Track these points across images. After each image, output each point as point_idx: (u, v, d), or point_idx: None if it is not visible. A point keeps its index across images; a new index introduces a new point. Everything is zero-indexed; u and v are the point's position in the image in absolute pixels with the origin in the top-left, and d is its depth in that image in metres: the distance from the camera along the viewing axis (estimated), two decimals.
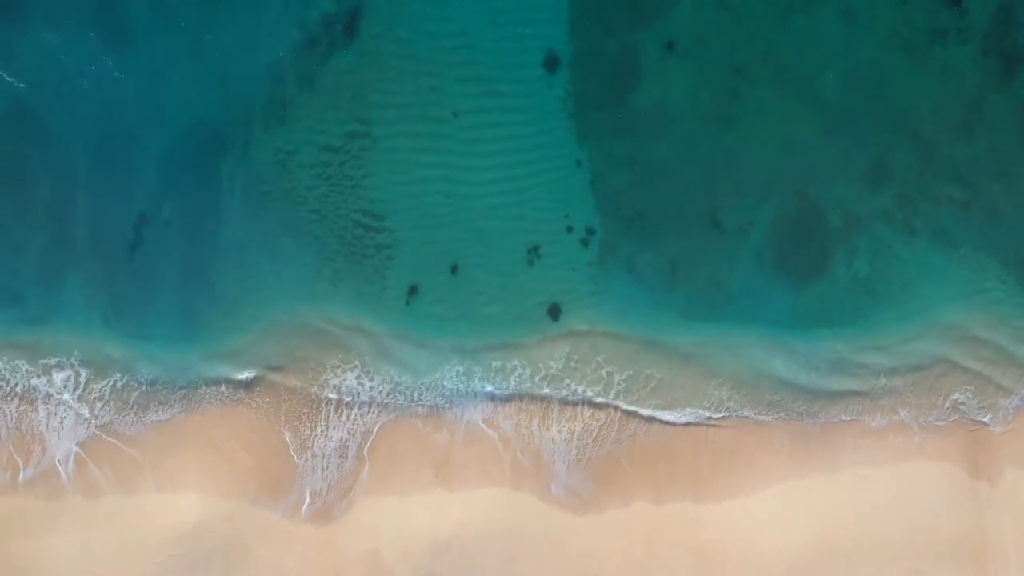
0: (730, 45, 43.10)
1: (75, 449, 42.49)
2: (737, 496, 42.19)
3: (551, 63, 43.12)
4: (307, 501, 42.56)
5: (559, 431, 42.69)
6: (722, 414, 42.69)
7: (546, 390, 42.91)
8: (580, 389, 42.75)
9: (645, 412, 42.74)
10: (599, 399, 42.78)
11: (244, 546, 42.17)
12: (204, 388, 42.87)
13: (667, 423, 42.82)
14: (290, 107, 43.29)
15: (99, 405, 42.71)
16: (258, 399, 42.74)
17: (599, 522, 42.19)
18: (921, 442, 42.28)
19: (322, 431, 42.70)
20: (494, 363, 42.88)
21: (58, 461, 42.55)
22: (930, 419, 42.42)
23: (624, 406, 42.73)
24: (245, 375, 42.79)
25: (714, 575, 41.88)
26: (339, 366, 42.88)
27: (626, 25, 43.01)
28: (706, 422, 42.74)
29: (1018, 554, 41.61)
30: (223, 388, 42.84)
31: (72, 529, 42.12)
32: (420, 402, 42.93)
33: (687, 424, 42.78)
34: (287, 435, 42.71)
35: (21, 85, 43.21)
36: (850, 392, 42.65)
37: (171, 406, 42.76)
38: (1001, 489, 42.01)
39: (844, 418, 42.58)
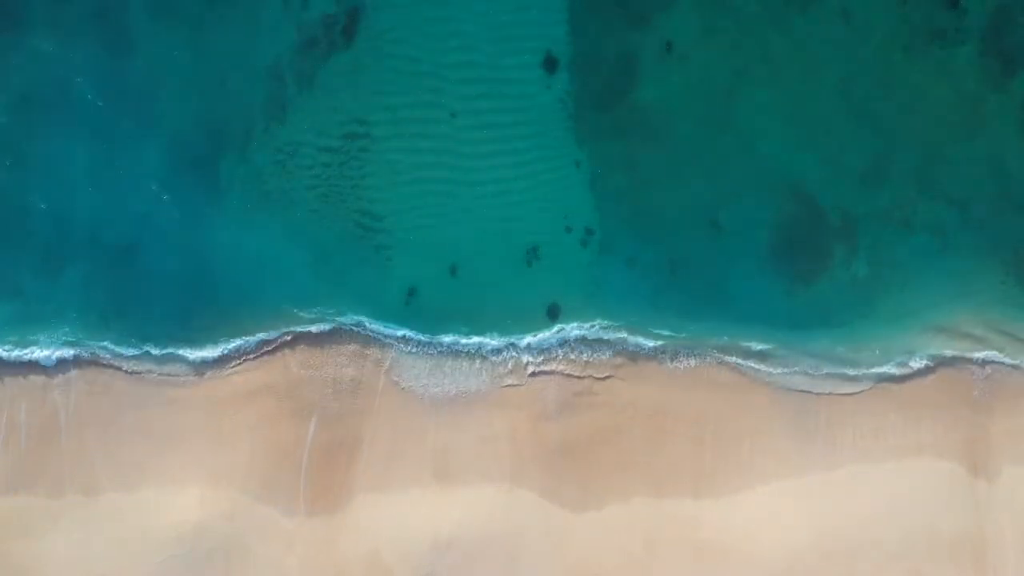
0: (729, 46, 43.12)
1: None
2: (737, 493, 42.23)
3: (550, 64, 43.17)
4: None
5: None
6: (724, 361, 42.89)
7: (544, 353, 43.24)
8: (575, 334, 43.05)
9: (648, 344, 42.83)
10: (597, 356, 43.00)
11: (244, 546, 42.27)
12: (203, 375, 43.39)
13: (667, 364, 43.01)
14: (289, 108, 43.40)
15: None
16: (258, 370, 42.98)
17: (599, 521, 42.24)
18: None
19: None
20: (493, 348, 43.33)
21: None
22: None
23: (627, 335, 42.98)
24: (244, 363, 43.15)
25: (714, 574, 41.83)
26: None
27: (625, 26, 43.05)
28: (709, 362, 42.85)
29: (1017, 552, 41.61)
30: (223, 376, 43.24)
31: (72, 529, 42.27)
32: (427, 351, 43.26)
33: (690, 369, 42.82)
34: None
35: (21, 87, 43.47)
36: (846, 393, 42.70)
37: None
38: (1000, 487, 42.01)
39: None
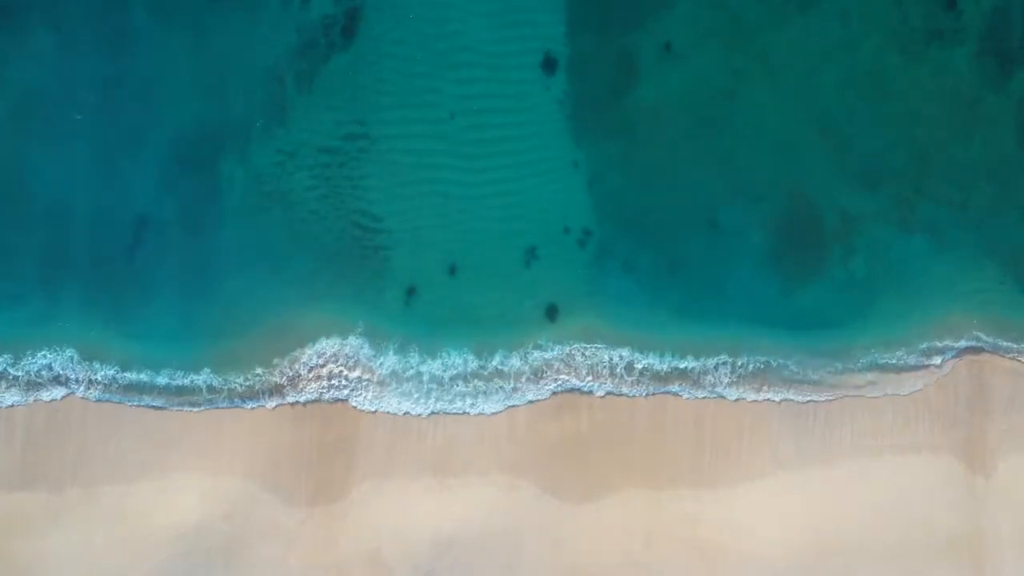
0: (727, 46, 43.26)
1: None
2: (736, 491, 42.23)
3: (549, 65, 43.27)
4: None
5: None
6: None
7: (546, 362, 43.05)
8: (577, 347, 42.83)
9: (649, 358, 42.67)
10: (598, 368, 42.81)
11: (245, 545, 42.27)
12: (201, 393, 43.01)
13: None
14: (289, 108, 43.47)
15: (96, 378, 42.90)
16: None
17: (598, 519, 42.27)
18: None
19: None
20: (494, 350, 43.13)
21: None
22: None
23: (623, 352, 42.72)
24: (245, 381, 42.92)
25: (713, 573, 41.93)
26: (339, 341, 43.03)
27: (623, 27, 43.18)
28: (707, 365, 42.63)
29: (1014, 548, 41.66)
30: (222, 393, 42.95)
31: (73, 528, 42.25)
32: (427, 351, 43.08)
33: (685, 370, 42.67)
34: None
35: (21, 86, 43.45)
36: (844, 392, 42.75)
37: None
38: (997, 484, 42.06)
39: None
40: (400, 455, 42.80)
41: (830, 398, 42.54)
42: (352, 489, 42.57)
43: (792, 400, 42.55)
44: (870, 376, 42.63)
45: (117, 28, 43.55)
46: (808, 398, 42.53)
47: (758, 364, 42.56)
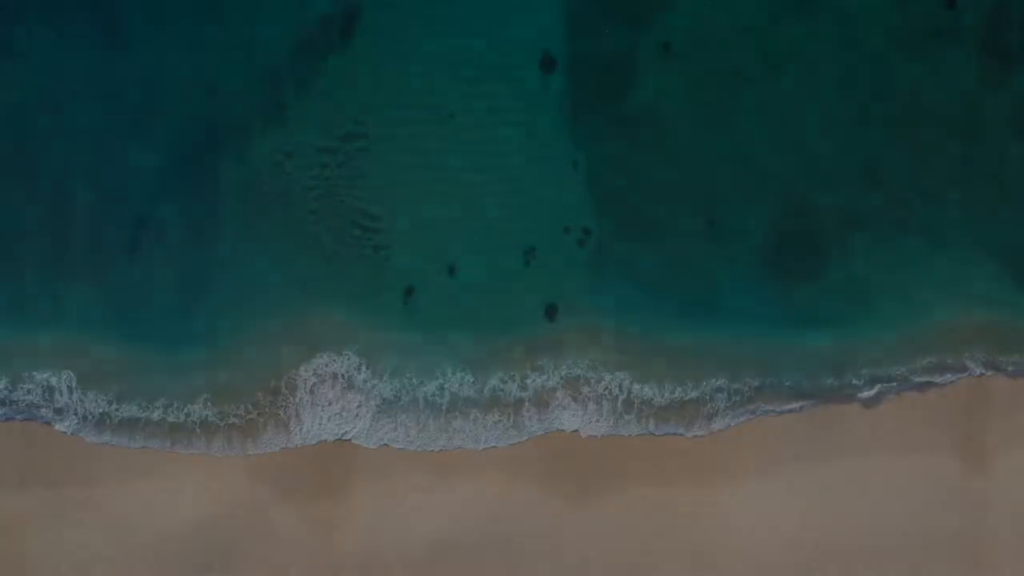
0: (726, 46, 43.24)
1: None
2: (735, 491, 42.25)
3: (547, 65, 43.22)
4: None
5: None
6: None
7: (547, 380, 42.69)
8: (579, 371, 42.50)
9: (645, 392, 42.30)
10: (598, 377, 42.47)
11: (244, 547, 42.31)
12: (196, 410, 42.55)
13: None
14: (287, 109, 43.36)
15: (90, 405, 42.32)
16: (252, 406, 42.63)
17: (597, 520, 42.32)
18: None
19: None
20: (491, 365, 42.78)
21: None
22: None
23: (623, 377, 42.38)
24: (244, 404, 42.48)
25: (713, 573, 42.03)
26: (336, 356, 42.59)
27: (622, 26, 43.13)
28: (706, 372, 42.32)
29: (1013, 550, 41.81)
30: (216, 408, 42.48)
31: (70, 528, 42.27)
32: (417, 395, 42.64)
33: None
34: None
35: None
36: (843, 394, 42.70)
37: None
38: (995, 486, 42.18)
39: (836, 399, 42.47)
40: (399, 455, 42.77)
41: (828, 404, 42.64)
42: (351, 489, 42.58)
43: (789, 413, 42.63)
44: (867, 377, 42.40)
45: (112, 28, 43.40)
46: (805, 410, 42.63)
47: (753, 387, 42.28)
